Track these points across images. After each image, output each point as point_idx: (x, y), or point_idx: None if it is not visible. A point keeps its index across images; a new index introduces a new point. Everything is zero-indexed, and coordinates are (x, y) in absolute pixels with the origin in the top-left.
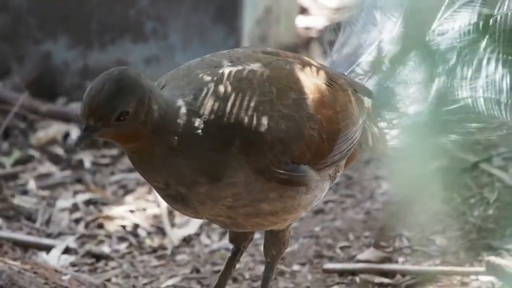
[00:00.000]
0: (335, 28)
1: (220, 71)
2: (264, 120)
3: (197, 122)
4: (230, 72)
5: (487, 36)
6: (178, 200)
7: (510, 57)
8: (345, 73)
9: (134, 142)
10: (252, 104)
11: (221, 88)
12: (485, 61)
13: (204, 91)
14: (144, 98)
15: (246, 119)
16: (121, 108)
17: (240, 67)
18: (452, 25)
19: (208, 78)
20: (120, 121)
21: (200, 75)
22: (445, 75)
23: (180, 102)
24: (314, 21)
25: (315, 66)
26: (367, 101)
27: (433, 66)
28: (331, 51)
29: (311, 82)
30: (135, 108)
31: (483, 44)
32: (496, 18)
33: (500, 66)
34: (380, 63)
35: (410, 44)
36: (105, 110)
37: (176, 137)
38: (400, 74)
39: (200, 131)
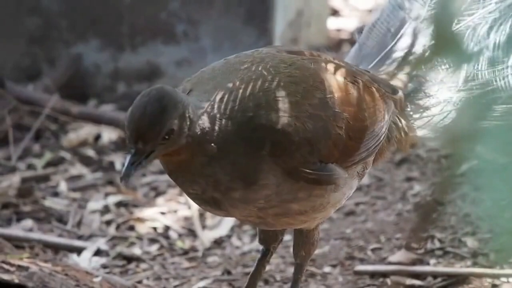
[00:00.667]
0: (370, 26)
1: (246, 72)
2: (291, 121)
3: (230, 128)
4: (255, 73)
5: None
6: (211, 203)
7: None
8: (374, 63)
9: (177, 156)
10: (279, 106)
11: (248, 91)
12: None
13: (233, 95)
14: (185, 113)
15: (274, 121)
16: (167, 127)
17: (264, 67)
18: (482, 3)
19: (234, 81)
20: (166, 140)
21: (226, 78)
22: (475, 56)
23: (211, 110)
24: (345, 23)
25: (339, 64)
26: (393, 97)
27: (463, 49)
28: (358, 46)
29: (336, 80)
30: (179, 124)
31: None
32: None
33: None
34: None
35: (440, 29)
36: (153, 132)
37: (214, 145)
38: (430, 63)
39: (234, 136)
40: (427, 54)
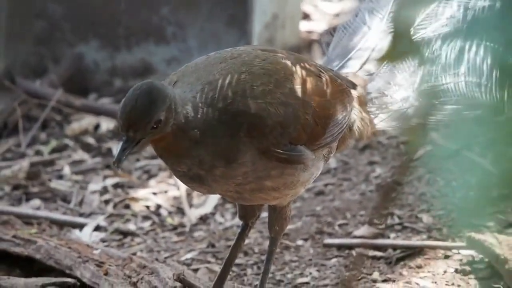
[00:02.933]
0: (332, 31)
1: (224, 66)
2: (265, 107)
3: (212, 114)
4: (233, 66)
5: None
6: (195, 179)
7: (489, 43)
8: (337, 67)
9: (163, 142)
10: (254, 93)
11: (227, 81)
12: (466, 47)
13: (213, 85)
14: (171, 105)
15: (250, 107)
16: (155, 118)
17: (241, 62)
18: (435, 18)
19: (214, 73)
20: (154, 129)
21: (207, 71)
22: (429, 63)
23: (194, 99)
24: (315, 26)
25: (306, 61)
26: (353, 92)
27: (419, 56)
28: (327, 50)
29: (304, 73)
30: (166, 115)
31: (464, 32)
32: (475, 9)
33: (481, 51)
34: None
35: (398, 38)
36: (142, 122)
37: (197, 131)
38: (387, 65)
39: (215, 121)
40: (387, 54)
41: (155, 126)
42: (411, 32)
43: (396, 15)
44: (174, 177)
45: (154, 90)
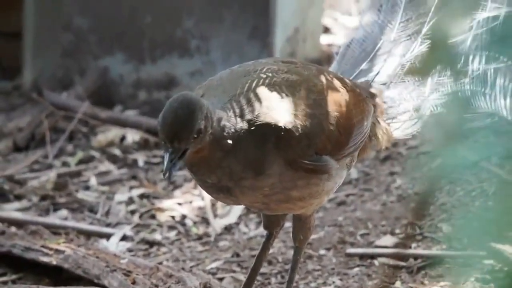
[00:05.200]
0: (348, 44)
1: (249, 79)
2: (292, 119)
3: (241, 125)
4: (257, 79)
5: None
6: (223, 191)
7: (492, 53)
8: (352, 77)
9: (201, 152)
10: (280, 105)
11: (253, 93)
12: (471, 58)
13: (239, 98)
14: (208, 114)
15: (277, 119)
16: (197, 127)
17: (265, 74)
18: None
19: (239, 86)
20: (196, 139)
21: (232, 84)
22: (438, 73)
23: (223, 110)
24: (335, 39)
25: (328, 72)
26: (372, 101)
27: (452, 68)
28: (341, 61)
29: (327, 84)
30: (205, 124)
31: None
32: (479, 20)
33: (483, 62)
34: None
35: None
36: (185, 131)
37: (230, 141)
38: (418, 76)
39: (243, 133)
40: (421, 64)
41: (196, 135)
42: (448, 44)
43: (434, 27)
44: (199, 187)
45: (192, 100)
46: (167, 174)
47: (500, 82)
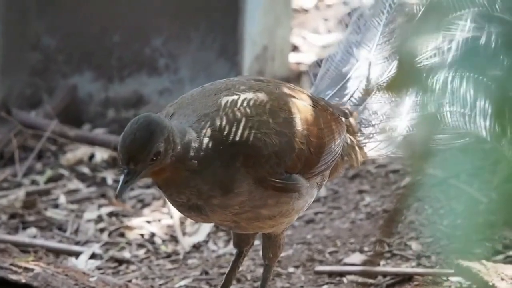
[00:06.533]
0: (319, 62)
1: (219, 97)
2: (261, 137)
3: (209, 144)
4: (228, 97)
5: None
6: (194, 209)
7: (471, 74)
8: (327, 97)
9: (162, 173)
10: (249, 124)
11: (222, 112)
12: (450, 79)
13: (209, 116)
14: (169, 137)
15: (246, 137)
16: (154, 149)
17: (236, 92)
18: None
19: (210, 104)
20: (154, 161)
21: (203, 103)
22: (415, 94)
23: (191, 130)
24: (304, 57)
25: (299, 90)
26: (345, 120)
27: (421, 86)
28: (315, 81)
29: (298, 103)
30: (165, 147)
31: (448, 63)
32: (458, 41)
33: (464, 83)
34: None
35: (402, 67)
36: (142, 154)
37: (195, 161)
38: (388, 94)
39: (211, 152)
40: (391, 83)
41: (154, 157)
42: (415, 62)
43: (401, 46)
44: (168, 205)
45: (152, 122)
46: (120, 195)
47: (479, 104)
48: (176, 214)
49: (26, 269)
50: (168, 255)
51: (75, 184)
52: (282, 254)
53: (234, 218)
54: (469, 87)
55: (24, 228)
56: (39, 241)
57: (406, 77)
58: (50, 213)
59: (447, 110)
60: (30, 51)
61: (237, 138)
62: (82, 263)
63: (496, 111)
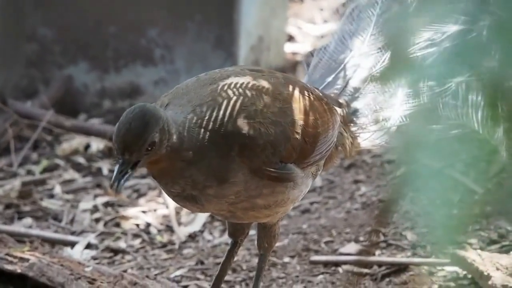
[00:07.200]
0: (314, 52)
1: (214, 87)
2: (256, 127)
3: (204, 135)
4: (223, 87)
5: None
6: (189, 199)
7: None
8: (321, 87)
9: (158, 164)
10: (244, 113)
11: (217, 102)
12: (442, 70)
13: (204, 107)
14: (164, 127)
15: (241, 127)
16: (149, 140)
17: (231, 82)
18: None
19: (205, 95)
20: (149, 151)
21: (198, 93)
22: (408, 85)
23: (186, 120)
24: (299, 47)
25: (294, 80)
26: (339, 110)
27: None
28: (309, 70)
29: (293, 93)
30: (160, 137)
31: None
32: (450, 33)
33: (456, 75)
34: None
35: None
36: (137, 144)
37: (190, 152)
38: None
39: (207, 142)
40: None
41: (149, 148)
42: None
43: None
44: (163, 195)
45: (147, 112)
46: (114, 185)
47: (471, 97)
48: (172, 204)
49: (22, 259)
50: (164, 245)
51: (70, 174)
52: (278, 244)
53: (230, 208)
54: (461, 79)
55: (20, 218)
56: (35, 231)
57: (399, 67)
58: (46, 203)
59: (440, 102)
60: (26, 42)
61: (232, 128)
62: (78, 253)
63: (488, 104)
